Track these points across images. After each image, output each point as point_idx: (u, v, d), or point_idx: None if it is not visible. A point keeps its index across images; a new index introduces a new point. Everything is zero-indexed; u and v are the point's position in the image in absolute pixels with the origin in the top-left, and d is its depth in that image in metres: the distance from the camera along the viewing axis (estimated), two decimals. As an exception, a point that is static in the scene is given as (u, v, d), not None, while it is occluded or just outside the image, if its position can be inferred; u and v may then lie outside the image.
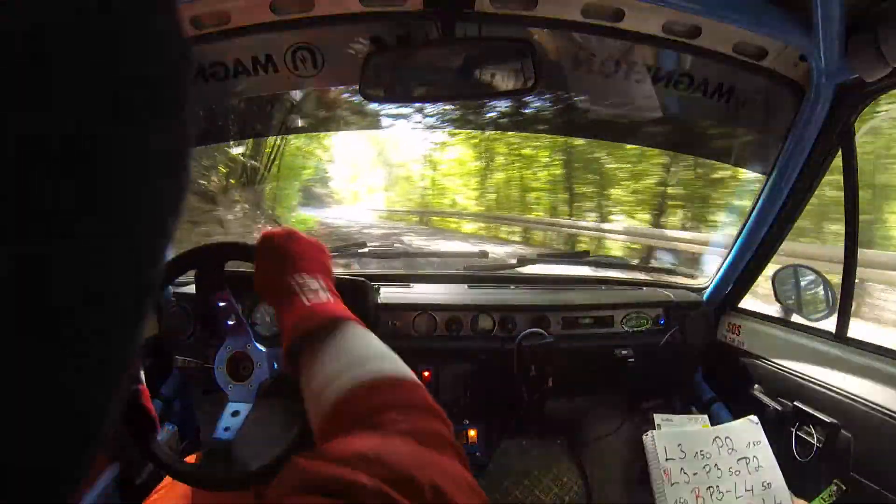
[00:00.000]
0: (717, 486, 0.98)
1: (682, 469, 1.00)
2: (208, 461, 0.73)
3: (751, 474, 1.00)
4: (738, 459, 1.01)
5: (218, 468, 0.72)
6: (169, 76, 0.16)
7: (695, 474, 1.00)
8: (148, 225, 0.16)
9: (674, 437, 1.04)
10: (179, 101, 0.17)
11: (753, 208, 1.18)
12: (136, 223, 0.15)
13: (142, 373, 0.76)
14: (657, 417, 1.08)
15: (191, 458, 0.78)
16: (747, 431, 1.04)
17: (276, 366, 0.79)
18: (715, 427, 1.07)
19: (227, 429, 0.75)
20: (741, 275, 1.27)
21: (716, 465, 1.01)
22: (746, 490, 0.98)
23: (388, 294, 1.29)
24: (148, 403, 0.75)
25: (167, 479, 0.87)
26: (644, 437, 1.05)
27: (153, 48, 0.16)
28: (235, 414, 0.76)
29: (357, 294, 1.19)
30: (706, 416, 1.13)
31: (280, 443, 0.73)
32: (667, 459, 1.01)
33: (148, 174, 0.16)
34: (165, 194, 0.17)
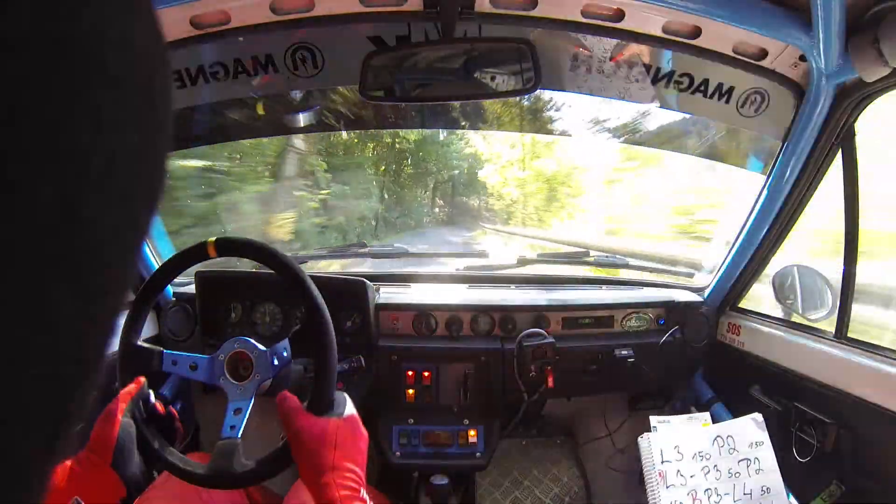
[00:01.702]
0: (716, 489, 0.97)
1: (678, 471, 0.99)
2: (220, 459, 0.73)
3: (751, 477, 0.99)
4: (739, 461, 1.00)
5: (231, 465, 0.72)
6: (144, 75, 0.17)
7: (692, 476, 0.99)
8: (120, 218, 0.16)
9: (671, 439, 1.02)
10: (156, 101, 0.17)
11: (753, 208, 1.18)
12: (104, 217, 0.16)
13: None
14: (653, 420, 1.07)
15: (193, 457, 0.79)
16: (750, 431, 1.03)
17: (275, 361, 0.79)
18: (717, 425, 1.06)
19: (232, 427, 0.75)
20: (741, 275, 1.27)
21: (715, 466, 1.00)
22: (745, 493, 0.97)
23: (388, 294, 1.29)
24: (160, 410, 0.78)
25: (160, 478, 0.88)
26: (639, 439, 1.04)
27: (129, 50, 0.16)
28: (238, 412, 0.76)
29: (357, 294, 1.20)
30: (707, 415, 1.12)
31: (276, 442, 0.73)
32: (662, 462, 0.99)
33: (120, 171, 0.16)
34: (139, 190, 0.17)
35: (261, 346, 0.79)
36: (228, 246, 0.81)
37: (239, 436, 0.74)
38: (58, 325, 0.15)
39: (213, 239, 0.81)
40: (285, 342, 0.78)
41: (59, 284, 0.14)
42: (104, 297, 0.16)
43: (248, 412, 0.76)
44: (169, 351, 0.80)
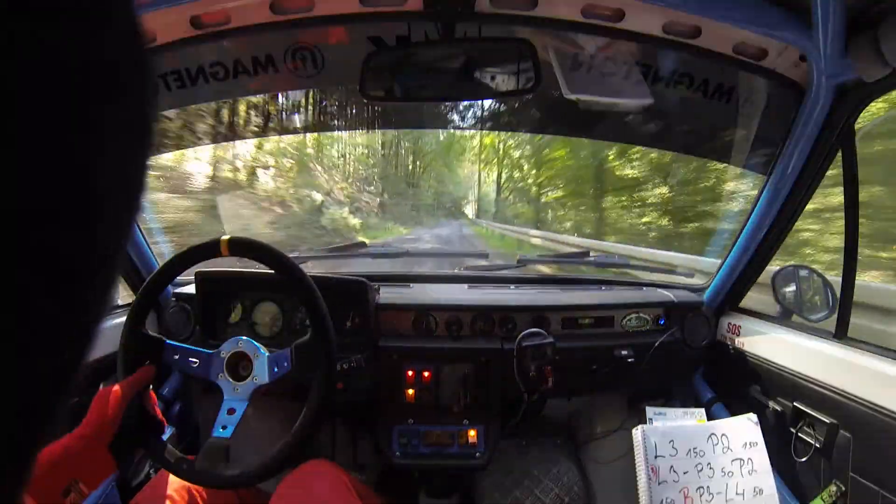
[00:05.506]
0: (708, 487, 0.96)
1: (671, 467, 0.97)
2: (208, 459, 0.73)
3: (744, 477, 0.97)
4: (733, 460, 0.99)
5: (218, 465, 0.72)
6: (127, 73, 0.17)
7: (685, 473, 0.97)
8: (104, 220, 0.17)
9: (666, 433, 1.00)
10: (141, 108, 0.18)
11: (753, 209, 1.18)
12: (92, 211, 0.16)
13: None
14: (649, 411, 1.05)
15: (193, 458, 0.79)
16: (745, 431, 1.02)
17: (275, 369, 0.78)
18: (711, 423, 1.04)
19: (224, 427, 0.75)
20: (741, 275, 1.27)
21: (709, 464, 0.98)
22: (738, 493, 0.96)
23: (388, 294, 1.29)
24: (155, 408, 0.77)
25: (153, 479, 0.88)
26: (634, 431, 1.01)
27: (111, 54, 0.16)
28: (231, 412, 0.76)
29: (357, 294, 1.20)
30: (703, 410, 1.11)
31: (277, 442, 0.73)
32: (656, 457, 0.98)
33: (103, 175, 0.16)
34: (122, 192, 0.18)
35: (263, 350, 0.79)
36: (241, 246, 0.81)
37: (230, 435, 0.74)
38: (40, 325, 0.15)
39: (227, 238, 0.81)
40: (287, 352, 0.77)
41: (42, 286, 0.15)
42: (89, 300, 0.17)
43: (242, 414, 0.76)
44: (171, 342, 0.80)
